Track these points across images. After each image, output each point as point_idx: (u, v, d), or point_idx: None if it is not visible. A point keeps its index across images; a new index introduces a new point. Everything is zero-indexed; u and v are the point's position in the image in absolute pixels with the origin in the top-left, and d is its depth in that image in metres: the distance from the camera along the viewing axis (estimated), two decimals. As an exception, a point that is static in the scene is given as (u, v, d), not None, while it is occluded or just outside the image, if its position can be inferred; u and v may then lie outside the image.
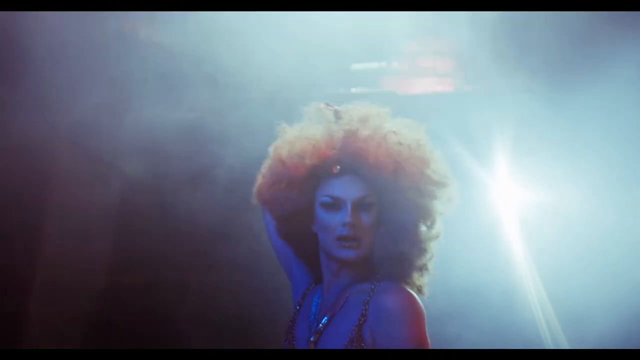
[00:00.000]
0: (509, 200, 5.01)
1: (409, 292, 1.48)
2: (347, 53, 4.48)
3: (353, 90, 4.73)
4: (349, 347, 1.43)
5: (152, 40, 4.08)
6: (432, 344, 1.55)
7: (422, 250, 1.55)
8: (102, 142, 4.51)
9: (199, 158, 4.79)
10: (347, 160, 1.53)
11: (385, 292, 1.46)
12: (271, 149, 1.66)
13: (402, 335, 1.39)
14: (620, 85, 4.06)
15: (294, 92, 4.65)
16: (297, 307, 1.67)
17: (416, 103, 4.70)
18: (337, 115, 1.61)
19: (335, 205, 1.53)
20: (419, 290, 1.56)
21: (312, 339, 1.53)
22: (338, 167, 1.54)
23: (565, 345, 4.31)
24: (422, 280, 1.58)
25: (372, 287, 1.50)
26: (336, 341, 1.47)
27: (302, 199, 1.56)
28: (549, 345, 4.35)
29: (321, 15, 3.88)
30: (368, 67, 4.85)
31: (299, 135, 1.59)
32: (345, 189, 1.52)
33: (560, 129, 4.44)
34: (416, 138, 1.60)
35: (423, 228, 1.56)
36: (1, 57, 3.53)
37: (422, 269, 1.57)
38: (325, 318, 1.53)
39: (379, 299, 1.45)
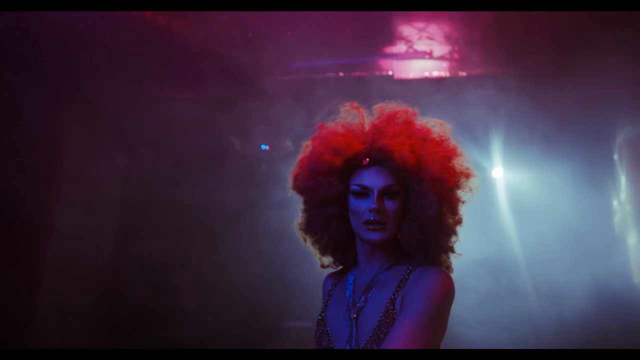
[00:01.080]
0: (500, 184, 5.20)
1: (448, 274, 1.62)
2: (347, 39, 4.56)
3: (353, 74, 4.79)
4: (383, 319, 1.57)
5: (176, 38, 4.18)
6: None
7: (447, 235, 1.66)
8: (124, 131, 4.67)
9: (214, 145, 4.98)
10: (375, 154, 1.65)
11: (428, 269, 1.60)
12: (308, 144, 1.76)
13: (422, 295, 1.51)
14: (601, 85, 4.24)
15: (298, 76, 4.78)
16: (324, 305, 1.78)
17: (412, 86, 4.82)
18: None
19: (364, 193, 1.65)
20: (447, 269, 1.67)
21: (352, 315, 1.64)
22: (367, 159, 1.66)
23: (549, 316, 4.54)
24: (449, 260, 1.68)
25: (410, 269, 1.63)
26: (374, 314, 1.61)
27: (341, 185, 1.67)
28: (532, 319, 4.56)
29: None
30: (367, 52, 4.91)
31: (334, 131, 1.71)
32: (373, 179, 1.64)
33: (547, 122, 4.62)
34: (440, 135, 1.69)
35: (447, 214, 1.64)
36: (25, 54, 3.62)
37: (449, 250, 1.68)
38: (363, 297, 1.65)
39: (421, 273, 1.59)
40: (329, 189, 1.67)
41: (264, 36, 4.34)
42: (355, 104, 1.75)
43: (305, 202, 1.74)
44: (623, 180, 5.07)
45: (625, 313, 4.50)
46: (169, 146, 4.92)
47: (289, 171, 1.80)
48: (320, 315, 1.77)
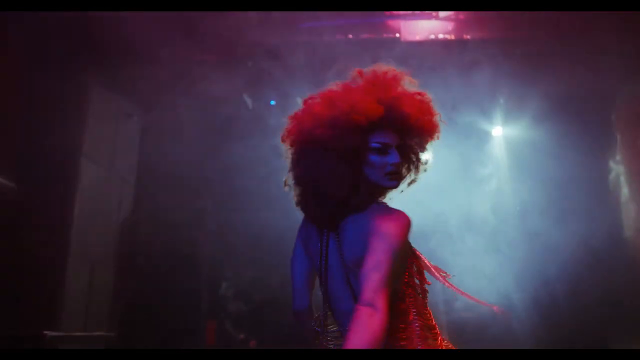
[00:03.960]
0: (499, 142, 5.43)
1: (396, 210, 1.88)
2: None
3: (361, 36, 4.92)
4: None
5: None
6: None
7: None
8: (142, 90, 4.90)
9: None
10: (393, 118, 1.94)
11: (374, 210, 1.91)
12: (335, 101, 1.94)
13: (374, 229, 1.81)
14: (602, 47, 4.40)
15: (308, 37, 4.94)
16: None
17: (418, 48, 4.95)
18: None
19: (383, 149, 1.93)
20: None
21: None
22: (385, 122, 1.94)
23: (536, 268, 4.85)
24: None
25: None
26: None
27: (361, 139, 1.91)
28: (520, 270, 4.87)
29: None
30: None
31: (361, 99, 1.92)
32: (391, 137, 1.95)
33: (547, 83, 4.80)
34: (426, 96, 2.00)
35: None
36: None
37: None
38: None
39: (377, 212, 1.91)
40: (359, 138, 1.92)
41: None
42: (361, 70, 2.00)
43: (323, 154, 1.92)
44: (619, 140, 5.29)
45: (616, 264, 4.82)
46: (184, 105, 5.13)
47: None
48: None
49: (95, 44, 4.33)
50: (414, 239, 1.90)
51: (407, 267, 1.90)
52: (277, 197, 5.36)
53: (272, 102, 5.89)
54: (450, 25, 4.96)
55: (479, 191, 5.00)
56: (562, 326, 4.67)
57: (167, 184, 5.44)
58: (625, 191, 5.09)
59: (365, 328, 1.59)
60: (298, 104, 6.16)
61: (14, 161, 4.27)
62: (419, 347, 1.81)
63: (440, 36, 4.86)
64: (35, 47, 4.08)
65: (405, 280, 1.89)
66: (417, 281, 1.92)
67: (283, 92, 5.37)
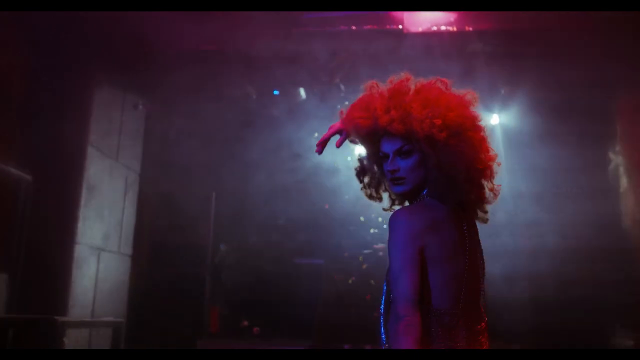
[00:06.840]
0: (497, 131, 5.49)
1: (402, 209, 1.90)
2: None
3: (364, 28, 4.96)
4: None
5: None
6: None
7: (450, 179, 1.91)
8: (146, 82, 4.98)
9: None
10: (381, 128, 1.89)
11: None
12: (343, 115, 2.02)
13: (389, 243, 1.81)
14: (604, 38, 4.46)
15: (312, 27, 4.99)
16: None
17: (420, 40, 5.00)
18: None
19: (385, 156, 1.93)
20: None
21: None
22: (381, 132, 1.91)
23: (526, 260, 4.92)
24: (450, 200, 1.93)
25: None
26: None
27: (375, 148, 1.98)
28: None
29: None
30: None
31: (353, 110, 1.96)
32: (387, 145, 1.93)
33: (547, 74, 4.85)
34: (426, 97, 1.87)
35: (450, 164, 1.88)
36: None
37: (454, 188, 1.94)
38: None
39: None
40: (371, 150, 2.01)
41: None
42: (374, 82, 2.00)
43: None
44: (619, 130, 5.34)
45: (615, 252, 4.90)
46: (187, 95, 5.20)
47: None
48: None
49: (101, 35, 4.39)
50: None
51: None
52: (285, 187, 5.43)
53: (276, 92, 5.97)
54: (452, 17, 5.00)
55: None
56: (555, 322, 4.73)
57: (173, 173, 5.54)
58: (624, 181, 5.15)
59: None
60: (300, 94, 6.23)
61: (23, 153, 4.37)
62: None
63: (443, 27, 4.90)
64: (43, 40, 4.15)
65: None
66: None
67: (286, 82, 5.44)
